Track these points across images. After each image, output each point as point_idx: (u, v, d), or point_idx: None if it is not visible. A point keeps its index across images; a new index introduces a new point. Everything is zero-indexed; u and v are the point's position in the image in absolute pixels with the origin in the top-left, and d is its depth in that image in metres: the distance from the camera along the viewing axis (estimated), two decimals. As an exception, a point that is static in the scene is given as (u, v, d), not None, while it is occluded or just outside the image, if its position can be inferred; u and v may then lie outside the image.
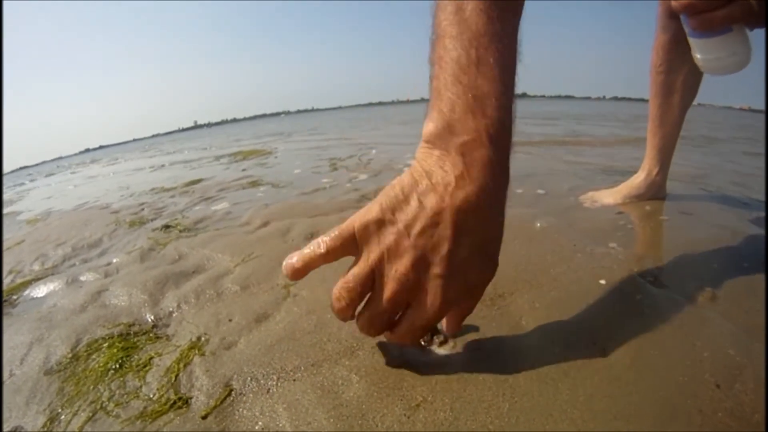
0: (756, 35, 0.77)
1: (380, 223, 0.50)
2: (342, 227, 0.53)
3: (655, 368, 0.58)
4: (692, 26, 0.77)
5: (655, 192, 1.30)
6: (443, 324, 0.62)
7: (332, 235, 0.53)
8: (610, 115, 6.38)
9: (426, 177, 0.49)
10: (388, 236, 0.50)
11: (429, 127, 0.50)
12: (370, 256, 0.51)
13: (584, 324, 0.69)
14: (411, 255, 0.49)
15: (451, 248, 0.48)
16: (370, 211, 0.51)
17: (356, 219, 0.52)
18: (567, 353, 0.62)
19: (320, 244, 0.54)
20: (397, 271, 0.50)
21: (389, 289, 0.51)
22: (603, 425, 0.50)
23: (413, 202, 0.49)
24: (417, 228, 0.48)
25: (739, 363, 0.58)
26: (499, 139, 0.48)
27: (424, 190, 0.48)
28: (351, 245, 0.53)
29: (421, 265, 0.49)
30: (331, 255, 0.54)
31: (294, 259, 0.55)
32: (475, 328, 0.69)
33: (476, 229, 0.48)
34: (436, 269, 0.48)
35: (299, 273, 0.56)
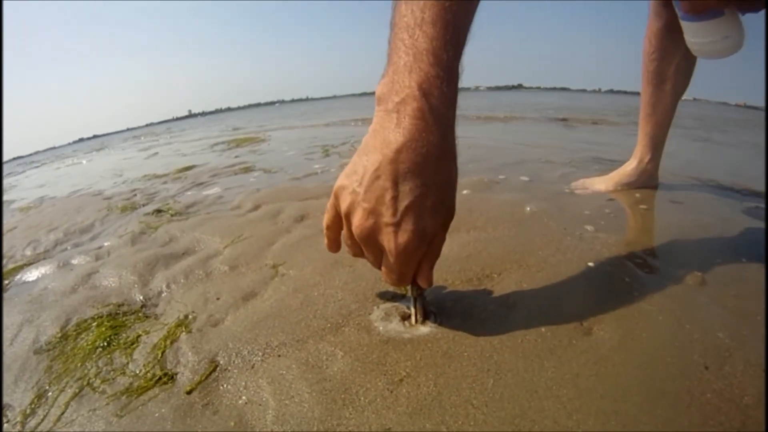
0: (755, 28, 0.76)
1: (341, 189, 0.56)
2: (329, 201, 0.59)
3: (643, 349, 0.58)
4: (684, 9, 0.77)
5: (646, 180, 1.30)
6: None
7: (326, 210, 0.61)
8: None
9: (371, 137, 0.53)
10: (346, 198, 0.55)
11: (377, 89, 0.54)
12: (343, 219, 0.57)
13: (572, 304, 0.69)
14: (361, 209, 0.53)
15: (393, 196, 0.51)
16: (337, 181, 0.57)
17: (333, 191, 0.58)
18: (553, 332, 0.62)
19: (323, 221, 0.62)
20: (353, 226, 0.55)
21: (357, 241, 0.56)
22: (589, 403, 0.50)
23: (361, 163, 0.53)
24: (364, 185, 0.52)
25: (729, 346, 0.58)
26: (433, 91, 0.50)
27: (369, 150, 0.52)
28: (338, 214, 0.59)
29: (372, 217, 0.53)
30: (332, 225, 0.61)
31: (324, 240, 0.64)
32: (461, 304, 0.70)
33: (414, 176, 0.51)
34: (385, 218, 0.52)
35: (330, 247, 0.64)
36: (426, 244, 0.55)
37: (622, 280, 0.76)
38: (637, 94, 1.27)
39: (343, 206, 0.55)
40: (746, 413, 0.48)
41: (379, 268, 0.59)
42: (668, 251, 0.88)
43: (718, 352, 0.57)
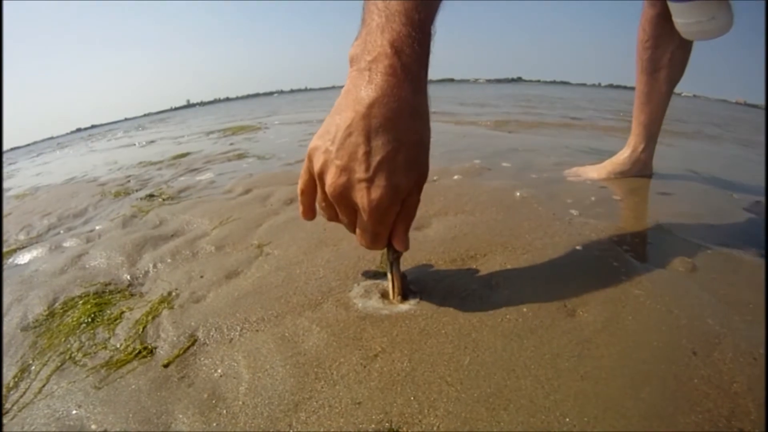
0: (755, 22, 0.75)
1: (315, 150, 0.55)
2: (303, 167, 0.59)
3: (628, 332, 0.57)
4: None
5: (640, 169, 1.28)
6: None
7: (300, 175, 0.60)
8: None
9: (344, 97, 0.53)
10: (319, 158, 0.54)
11: (351, 50, 0.54)
12: (317, 180, 0.57)
13: (556, 286, 0.69)
14: (334, 167, 0.52)
15: (366, 151, 0.51)
16: (311, 143, 0.56)
17: (306, 154, 0.57)
18: (535, 312, 0.62)
19: (298, 187, 0.61)
20: (327, 184, 0.54)
21: (331, 201, 0.56)
22: (568, 384, 0.49)
23: (334, 123, 0.53)
24: (336, 143, 0.52)
25: (718, 332, 0.57)
26: (404, 49, 0.50)
27: (342, 109, 0.52)
28: (312, 178, 0.58)
29: (345, 174, 0.52)
30: (306, 189, 0.60)
31: (299, 207, 0.63)
32: (442, 284, 0.70)
33: (387, 131, 0.51)
34: (358, 174, 0.52)
35: (305, 214, 0.63)
36: (399, 202, 0.55)
37: (609, 264, 0.75)
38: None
39: (316, 166, 0.55)
40: (735, 401, 0.47)
41: (354, 231, 0.58)
42: (659, 238, 0.88)
43: (707, 338, 0.56)
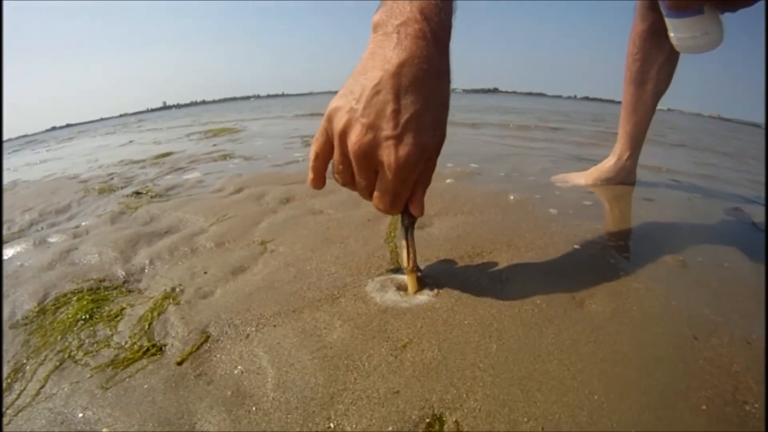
0: (754, 34, 0.80)
1: (336, 110, 0.54)
2: (318, 130, 0.58)
3: (634, 321, 0.61)
4: (668, 6, 0.82)
5: (624, 177, 1.32)
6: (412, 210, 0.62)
7: (314, 139, 0.59)
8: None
9: (369, 58, 0.53)
10: (342, 117, 0.53)
11: (375, 17, 0.55)
12: (335, 141, 0.56)
13: (562, 280, 0.71)
14: (359, 125, 0.52)
15: (395, 108, 0.51)
16: (330, 104, 0.55)
17: (324, 116, 0.56)
18: (548, 304, 0.64)
19: (311, 152, 0.60)
20: (351, 143, 0.53)
21: (353, 162, 0.55)
22: (591, 366, 0.52)
23: (358, 83, 0.52)
24: (363, 102, 0.51)
25: (714, 320, 0.61)
26: (432, 17, 0.52)
27: (367, 69, 0.52)
28: (329, 140, 0.57)
29: (371, 132, 0.52)
30: (321, 153, 0.59)
31: (308, 174, 0.61)
32: (455, 278, 0.71)
33: (416, 90, 0.51)
34: (386, 131, 0.51)
35: (315, 182, 0.61)
36: (423, 163, 0.55)
37: (607, 261, 0.78)
38: (611, 102, 1.28)
39: (338, 126, 0.54)
40: (737, 378, 0.51)
41: (370, 196, 0.58)
42: (649, 238, 0.92)
43: (705, 325, 0.60)
